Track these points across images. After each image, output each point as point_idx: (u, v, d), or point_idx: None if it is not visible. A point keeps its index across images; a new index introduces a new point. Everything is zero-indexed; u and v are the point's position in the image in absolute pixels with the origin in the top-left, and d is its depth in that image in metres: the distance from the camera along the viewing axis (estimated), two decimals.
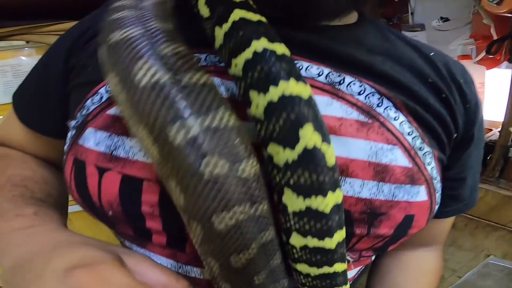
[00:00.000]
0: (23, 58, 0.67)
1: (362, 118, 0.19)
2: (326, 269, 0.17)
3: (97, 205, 0.20)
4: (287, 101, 0.14)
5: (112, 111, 0.19)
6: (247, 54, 0.15)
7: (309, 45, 0.20)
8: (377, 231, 0.20)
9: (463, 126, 0.23)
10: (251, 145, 0.15)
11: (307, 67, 0.20)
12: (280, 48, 0.15)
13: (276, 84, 0.14)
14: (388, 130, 0.20)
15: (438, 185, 0.22)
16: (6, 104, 0.68)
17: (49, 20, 0.68)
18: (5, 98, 0.67)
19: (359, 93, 0.20)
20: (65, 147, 0.22)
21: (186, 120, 0.13)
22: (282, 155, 0.15)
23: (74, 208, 0.73)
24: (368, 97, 0.20)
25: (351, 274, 0.24)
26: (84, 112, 0.20)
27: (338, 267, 0.17)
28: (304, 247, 0.16)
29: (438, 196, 0.23)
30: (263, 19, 0.16)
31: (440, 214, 0.25)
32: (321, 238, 0.16)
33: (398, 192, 0.19)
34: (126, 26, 0.15)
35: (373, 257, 0.26)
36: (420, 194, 0.20)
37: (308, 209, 0.15)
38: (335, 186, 0.16)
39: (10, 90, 0.67)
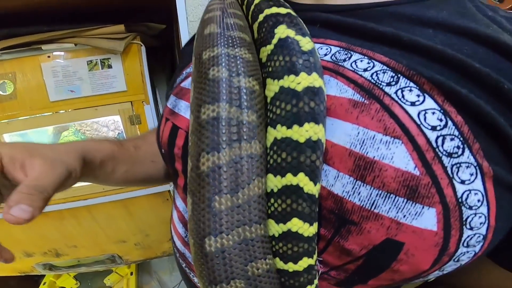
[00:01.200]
0: (72, 59, 0.72)
1: (357, 97, 0.15)
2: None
3: (160, 146, 0.27)
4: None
5: (183, 83, 0.26)
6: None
7: (334, 23, 0.20)
8: (344, 243, 0.16)
9: None
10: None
11: (317, 48, 0.19)
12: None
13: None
14: (393, 116, 0.14)
15: (476, 218, 0.14)
16: (58, 101, 0.73)
17: (93, 24, 0.74)
18: (57, 95, 0.73)
19: (365, 70, 0.16)
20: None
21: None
22: (263, 50, 0.17)
23: (94, 200, 0.76)
24: (377, 74, 0.16)
25: None
26: (173, 85, 0.30)
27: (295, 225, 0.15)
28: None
29: (471, 235, 0.14)
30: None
31: (498, 262, 0.17)
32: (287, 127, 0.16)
33: (381, 202, 0.14)
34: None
35: None
36: (423, 218, 0.14)
37: (281, 88, 0.16)
38: (309, 69, 0.15)
39: (61, 89, 0.74)
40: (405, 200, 0.14)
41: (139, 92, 0.73)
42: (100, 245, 0.91)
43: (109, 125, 0.82)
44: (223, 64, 0.17)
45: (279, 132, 0.15)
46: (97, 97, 0.73)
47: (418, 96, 0.15)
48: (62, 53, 0.73)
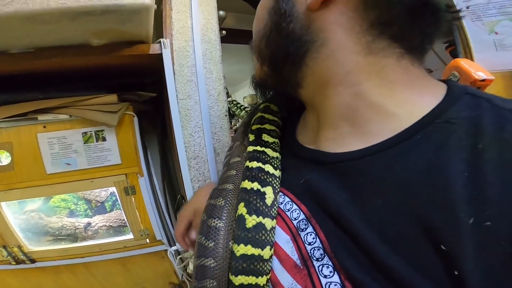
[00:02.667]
0: (68, 131, 0.74)
1: (298, 262, 0.24)
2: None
3: None
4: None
5: None
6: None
7: (308, 187, 0.27)
8: None
9: None
10: None
11: (293, 210, 0.27)
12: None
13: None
14: (311, 280, 0.23)
15: None
16: (55, 173, 0.75)
17: (87, 91, 0.76)
18: (53, 168, 0.75)
19: (309, 244, 0.24)
20: None
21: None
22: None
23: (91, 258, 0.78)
24: (314, 250, 0.24)
25: None
26: None
27: None
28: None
29: None
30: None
31: None
32: (231, 273, 0.25)
33: None
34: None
35: None
36: None
37: (231, 251, 0.26)
38: (246, 242, 0.25)
39: (57, 162, 0.76)
40: None
41: (133, 165, 0.76)
42: None
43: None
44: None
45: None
46: (93, 169, 0.76)
47: (330, 272, 0.22)
48: (58, 123, 0.75)
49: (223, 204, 0.30)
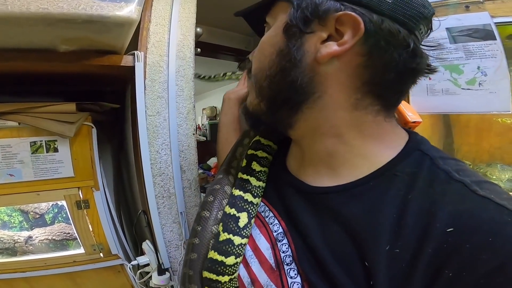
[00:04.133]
0: (14, 139, 0.68)
1: (274, 266, 0.31)
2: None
3: None
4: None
5: None
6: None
7: (288, 209, 0.34)
8: None
9: None
10: None
11: (275, 223, 0.34)
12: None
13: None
14: (281, 281, 0.30)
15: None
16: None
17: (41, 98, 0.70)
18: None
19: (283, 252, 0.31)
20: None
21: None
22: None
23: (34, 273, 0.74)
24: (286, 257, 0.31)
25: None
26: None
27: None
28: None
29: None
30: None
31: None
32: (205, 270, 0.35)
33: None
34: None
35: None
36: None
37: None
38: (215, 250, 0.35)
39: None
40: None
41: (87, 178, 0.72)
42: None
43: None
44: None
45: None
46: (40, 182, 0.70)
47: (295, 274, 0.29)
48: (3, 130, 0.68)
49: (212, 200, 0.39)
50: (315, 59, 0.28)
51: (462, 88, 0.61)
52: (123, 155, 0.82)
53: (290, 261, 0.30)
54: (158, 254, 0.74)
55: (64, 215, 0.78)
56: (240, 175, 0.39)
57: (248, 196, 0.36)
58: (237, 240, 0.33)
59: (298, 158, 0.36)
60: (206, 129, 2.60)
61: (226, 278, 0.33)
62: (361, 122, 0.29)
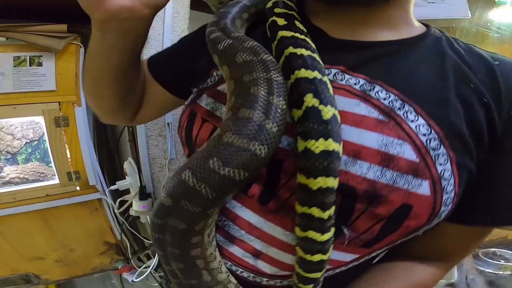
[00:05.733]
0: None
1: (381, 117, 0.24)
2: (306, 209, 0.22)
3: (193, 142, 0.29)
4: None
5: (220, 87, 0.29)
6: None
7: (358, 62, 0.27)
8: (375, 210, 0.23)
9: (502, 134, 0.25)
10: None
11: (348, 78, 0.26)
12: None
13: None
14: (402, 128, 0.23)
15: (449, 187, 0.23)
16: None
17: (33, 20, 0.70)
18: None
19: (384, 99, 0.24)
20: (186, 103, 0.33)
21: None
22: (295, 112, 0.23)
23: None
24: (392, 102, 0.24)
25: (342, 256, 0.27)
26: (204, 85, 0.31)
27: (317, 212, 0.22)
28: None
29: (447, 197, 0.24)
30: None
31: (459, 220, 0.27)
32: (307, 176, 0.21)
33: (399, 179, 0.23)
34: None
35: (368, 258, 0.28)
36: (422, 187, 0.23)
37: (305, 149, 0.22)
38: (326, 135, 0.21)
39: None
40: (412, 177, 0.22)
41: (70, 93, 0.69)
42: (9, 263, 0.77)
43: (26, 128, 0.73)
44: (262, 85, 0.22)
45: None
46: (18, 94, 0.67)
47: (415, 116, 0.24)
48: None
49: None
50: None
51: (428, 2, 0.72)
52: None
53: (401, 104, 0.25)
54: (141, 174, 0.67)
55: (38, 156, 0.72)
56: (288, 33, 0.26)
57: (316, 57, 0.25)
58: (338, 115, 0.23)
59: (348, 22, 0.29)
60: None
61: (337, 182, 0.23)
62: None
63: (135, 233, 0.79)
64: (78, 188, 0.72)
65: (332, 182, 0.21)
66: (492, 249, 0.93)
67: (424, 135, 0.23)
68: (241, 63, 0.23)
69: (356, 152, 0.23)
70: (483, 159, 0.25)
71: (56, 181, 0.72)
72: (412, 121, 0.23)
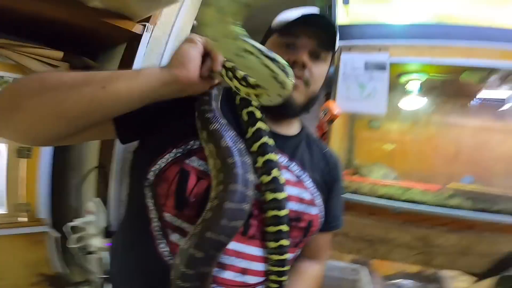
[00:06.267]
0: None
1: (295, 179, 0.44)
2: (276, 228, 0.39)
3: (186, 196, 0.37)
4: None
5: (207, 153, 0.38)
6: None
7: (286, 149, 0.46)
8: (299, 224, 0.42)
9: (331, 184, 0.49)
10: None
11: (282, 159, 0.44)
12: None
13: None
14: (304, 185, 0.44)
15: (321, 210, 0.46)
16: None
17: (31, 41, 0.71)
18: None
19: (296, 170, 0.45)
20: (170, 160, 0.38)
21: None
22: (264, 178, 0.39)
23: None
24: (299, 171, 0.45)
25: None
26: (188, 147, 0.39)
27: (284, 228, 0.39)
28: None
29: (322, 215, 0.46)
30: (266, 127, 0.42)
31: (323, 228, 0.47)
32: (278, 209, 0.39)
33: (306, 208, 0.43)
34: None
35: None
36: (315, 210, 0.44)
37: (273, 198, 0.39)
38: (282, 190, 0.39)
39: None
40: (311, 206, 0.44)
41: None
42: None
43: None
44: (240, 167, 0.33)
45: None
46: None
47: (309, 180, 0.46)
48: None
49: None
50: None
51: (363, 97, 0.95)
52: None
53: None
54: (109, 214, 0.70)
55: None
56: (263, 126, 0.41)
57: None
58: (281, 178, 0.40)
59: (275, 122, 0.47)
60: None
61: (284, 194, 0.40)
62: None
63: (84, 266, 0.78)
64: (26, 219, 0.72)
65: (285, 212, 0.39)
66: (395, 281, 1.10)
67: (312, 187, 0.45)
68: (224, 147, 0.34)
69: (288, 198, 0.41)
70: (328, 195, 0.48)
71: (4, 210, 0.71)
72: (306, 181, 0.45)
